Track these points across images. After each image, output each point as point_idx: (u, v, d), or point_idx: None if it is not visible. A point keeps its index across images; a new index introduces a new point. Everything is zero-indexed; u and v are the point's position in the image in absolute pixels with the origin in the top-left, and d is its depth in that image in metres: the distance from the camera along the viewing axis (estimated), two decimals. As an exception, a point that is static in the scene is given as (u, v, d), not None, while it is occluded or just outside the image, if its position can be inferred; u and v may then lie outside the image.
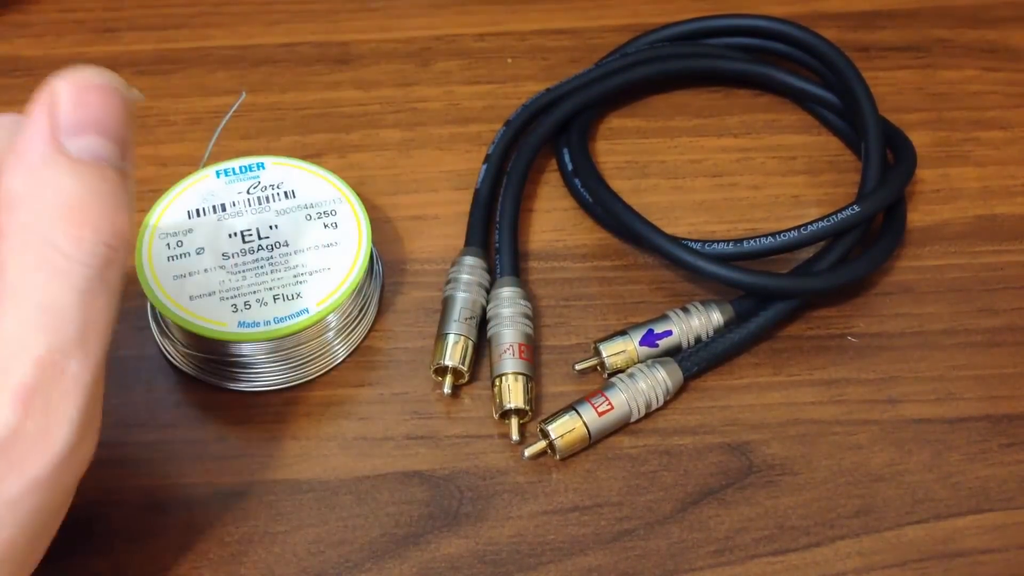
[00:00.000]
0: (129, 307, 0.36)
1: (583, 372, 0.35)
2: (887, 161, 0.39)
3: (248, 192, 0.36)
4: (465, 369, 0.34)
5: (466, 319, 0.35)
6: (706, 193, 0.40)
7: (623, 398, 0.33)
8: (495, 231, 0.37)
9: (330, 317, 0.34)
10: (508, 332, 0.34)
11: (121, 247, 0.25)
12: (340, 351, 0.35)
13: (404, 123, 0.42)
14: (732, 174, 0.41)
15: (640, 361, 0.35)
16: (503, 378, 0.33)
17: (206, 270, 0.34)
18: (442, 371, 0.34)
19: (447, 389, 0.34)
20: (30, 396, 0.24)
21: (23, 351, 0.24)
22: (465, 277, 0.36)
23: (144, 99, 0.26)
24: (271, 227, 0.35)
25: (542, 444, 0.33)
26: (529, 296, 0.36)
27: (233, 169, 0.37)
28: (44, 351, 0.24)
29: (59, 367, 0.24)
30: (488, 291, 0.36)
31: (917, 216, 0.39)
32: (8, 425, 0.23)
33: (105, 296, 0.25)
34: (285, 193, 0.36)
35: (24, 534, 0.25)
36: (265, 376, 0.34)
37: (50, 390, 0.24)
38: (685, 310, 0.35)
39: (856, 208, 0.36)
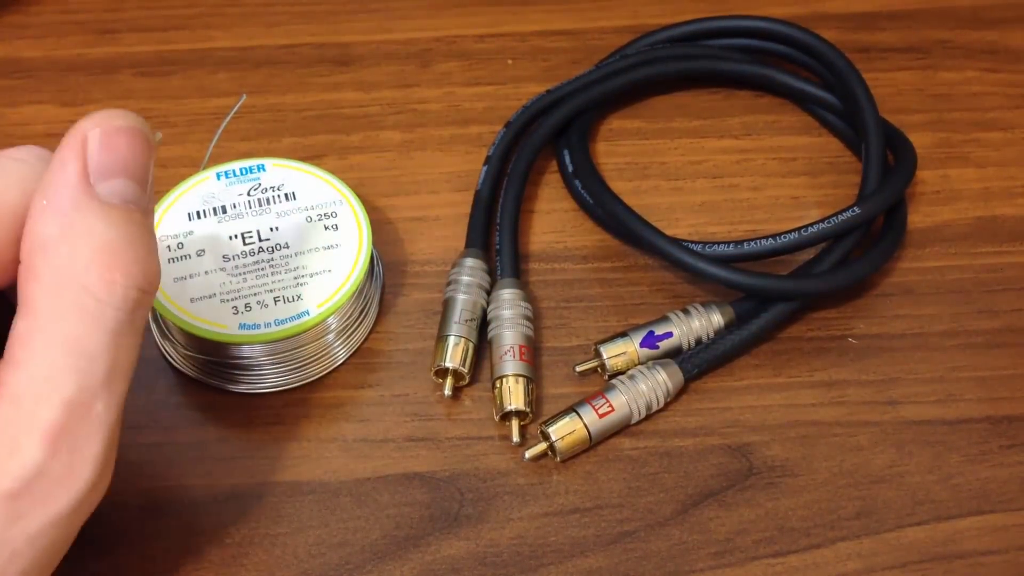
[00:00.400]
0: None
1: (584, 374, 0.35)
2: (887, 162, 0.39)
3: (249, 194, 0.36)
4: (466, 371, 0.34)
5: (467, 321, 0.35)
6: (706, 194, 0.40)
7: (623, 400, 0.33)
8: (496, 233, 0.37)
9: (331, 319, 0.34)
10: (509, 334, 0.34)
11: (150, 290, 0.25)
12: (341, 353, 0.35)
13: (404, 124, 0.42)
14: (732, 175, 0.41)
15: (641, 363, 0.35)
16: (504, 380, 0.33)
17: (207, 272, 0.34)
18: (443, 373, 0.34)
19: (448, 391, 0.34)
20: (58, 436, 0.24)
21: (53, 392, 0.24)
22: (465, 279, 0.36)
23: (162, 140, 0.27)
24: (272, 229, 0.35)
25: (543, 446, 0.33)
26: (530, 298, 0.36)
27: (233, 171, 0.37)
28: (74, 393, 0.24)
29: (87, 408, 0.24)
30: (489, 293, 0.36)
31: (917, 217, 0.39)
32: (35, 464, 0.24)
33: (132, 338, 0.25)
34: (286, 195, 0.36)
35: (36, 567, 0.25)
36: (266, 378, 0.34)
37: (77, 431, 0.24)
38: (686, 312, 0.35)
39: (856, 210, 0.36)
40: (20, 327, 0.24)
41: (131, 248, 0.24)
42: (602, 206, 0.38)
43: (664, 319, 0.35)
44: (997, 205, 0.40)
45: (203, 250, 0.35)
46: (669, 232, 0.36)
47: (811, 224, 0.36)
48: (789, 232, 0.36)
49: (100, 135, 0.25)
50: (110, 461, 0.26)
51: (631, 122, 0.42)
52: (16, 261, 0.25)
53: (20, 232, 0.25)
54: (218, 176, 0.37)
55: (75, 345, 0.24)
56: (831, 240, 0.36)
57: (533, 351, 0.35)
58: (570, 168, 0.40)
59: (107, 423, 0.25)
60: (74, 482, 0.25)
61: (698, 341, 0.35)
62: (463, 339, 0.34)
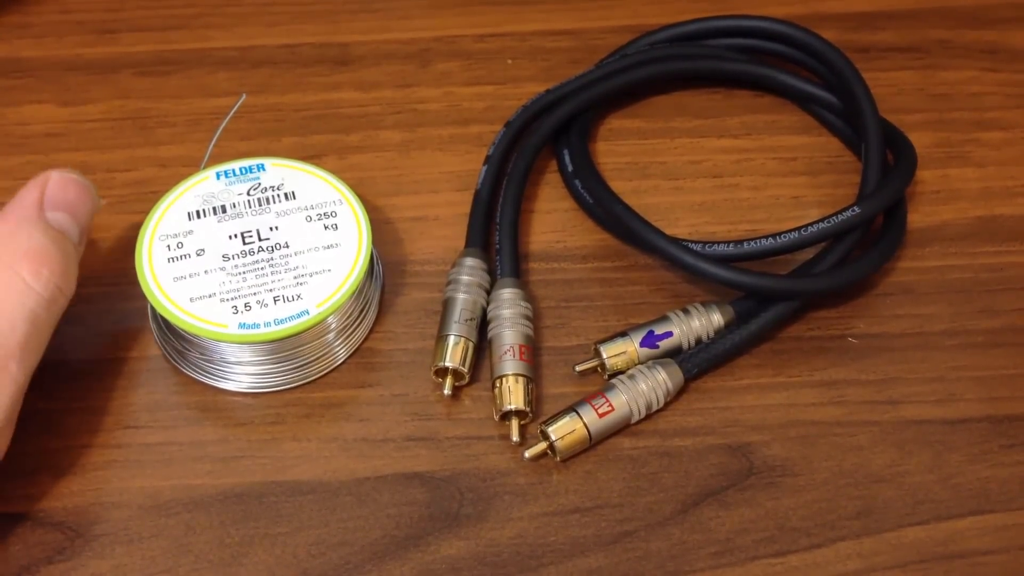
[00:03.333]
0: (130, 308, 0.36)
1: (583, 373, 0.35)
2: (887, 162, 0.39)
3: (248, 194, 0.36)
4: (465, 370, 0.34)
5: (466, 320, 0.35)
6: (706, 194, 0.40)
7: (623, 399, 0.33)
8: (495, 232, 0.37)
9: (330, 318, 0.34)
10: (508, 333, 0.34)
11: (67, 291, 0.31)
12: (340, 352, 0.35)
13: (404, 124, 0.42)
14: (732, 175, 0.41)
15: (641, 362, 0.35)
16: (503, 379, 0.33)
17: (206, 272, 0.34)
18: (442, 372, 0.34)
19: (447, 390, 0.34)
20: None
21: None
22: (465, 278, 0.36)
23: (103, 205, 0.34)
24: (271, 228, 0.35)
25: (543, 445, 0.33)
26: (529, 297, 0.36)
27: (233, 171, 0.37)
28: None
29: (2, 361, 0.29)
30: (488, 292, 0.36)
31: (917, 217, 0.39)
32: None
33: (46, 325, 0.31)
34: (285, 194, 0.36)
35: None
36: (266, 377, 0.34)
37: None
38: (686, 311, 0.35)
39: (856, 209, 0.36)
40: None
41: (59, 256, 0.31)
42: (602, 206, 0.38)
43: (664, 318, 0.35)
44: (997, 205, 0.40)
45: (203, 249, 0.35)
46: (669, 232, 0.36)
47: (811, 224, 0.36)
48: (789, 232, 0.36)
49: (58, 178, 0.33)
50: (12, 422, 0.30)
51: (631, 122, 0.42)
52: None
53: None
54: (218, 176, 0.36)
55: (1, 311, 0.30)
56: (831, 240, 0.36)
57: (533, 351, 0.35)
58: (570, 168, 0.40)
59: (18, 383, 0.30)
60: None
61: (698, 341, 0.35)
62: (463, 338, 0.34)
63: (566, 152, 0.40)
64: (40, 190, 0.32)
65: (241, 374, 0.34)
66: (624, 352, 0.35)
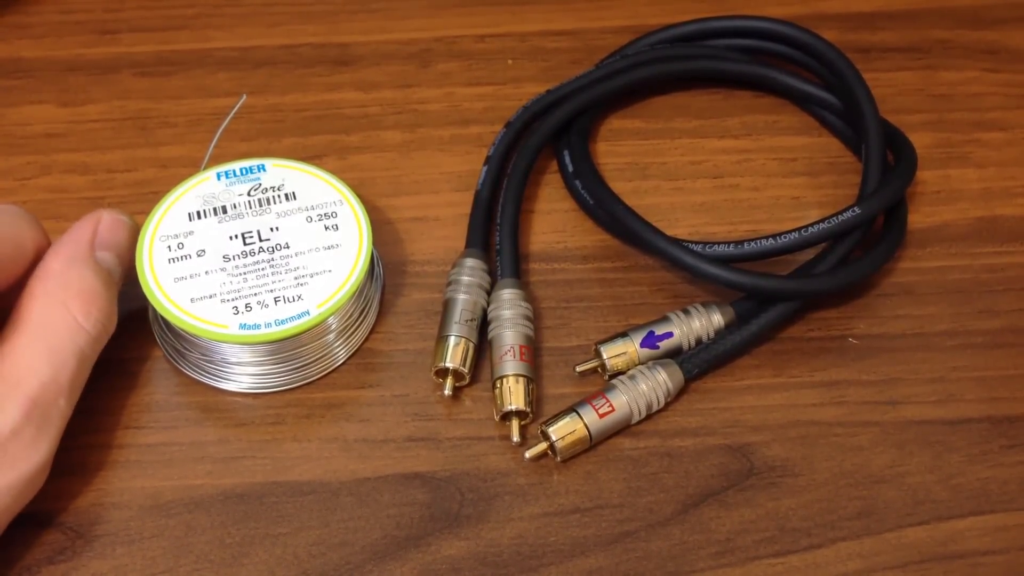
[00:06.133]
0: (131, 309, 0.36)
1: (584, 374, 0.35)
2: (888, 162, 0.39)
3: (249, 194, 0.36)
4: (466, 371, 0.34)
5: (467, 321, 0.35)
6: (707, 194, 0.40)
7: (624, 400, 0.33)
8: (496, 233, 0.37)
9: (331, 319, 0.34)
10: (509, 334, 0.34)
11: (110, 330, 0.33)
12: (341, 353, 0.35)
13: (404, 124, 0.42)
14: (732, 175, 0.41)
15: (641, 363, 0.35)
16: (504, 380, 0.33)
17: (207, 272, 0.34)
18: (443, 373, 0.34)
19: (448, 391, 0.34)
20: (33, 407, 0.30)
21: (33, 374, 0.30)
22: (466, 279, 0.36)
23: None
24: (272, 229, 0.35)
25: (543, 446, 0.33)
26: (530, 298, 0.36)
27: (234, 171, 0.37)
28: (48, 379, 0.30)
29: (55, 396, 0.31)
30: (489, 293, 0.36)
31: (918, 217, 0.39)
32: (14, 423, 0.30)
33: (89, 361, 0.32)
34: (286, 195, 0.36)
35: None
36: (266, 378, 0.34)
37: (45, 409, 0.30)
38: (686, 312, 0.35)
39: (857, 210, 0.36)
40: (8, 333, 0.31)
41: (107, 297, 0.32)
42: (602, 206, 0.38)
43: (664, 319, 0.35)
44: (997, 205, 0.40)
45: (203, 250, 0.35)
46: (669, 232, 0.36)
47: (811, 224, 0.36)
48: (789, 232, 0.36)
49: (110, 219, 0.34)
50: (53, 453, 0.31)
51: (631, 122, 0.42)
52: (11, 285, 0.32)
53: (27, 265, 0.33)
54: (218, 176, 0.36)
55: (54, 347, 0.31)
56: (831, 240, 0.36)
57: (533, 351, 0.35)
58: (570, 168, 0.40)
59: (65, 417, 0.31)
60: (36, 452, 0.30)
61: (698, 341, 0.35)
62: (463, 339, 0.34)
63: (566, 152, 0.40)
64: (93, 229, 0.33)
65: (241, 374, 0.34)
66: (624, 352, 0.35)
